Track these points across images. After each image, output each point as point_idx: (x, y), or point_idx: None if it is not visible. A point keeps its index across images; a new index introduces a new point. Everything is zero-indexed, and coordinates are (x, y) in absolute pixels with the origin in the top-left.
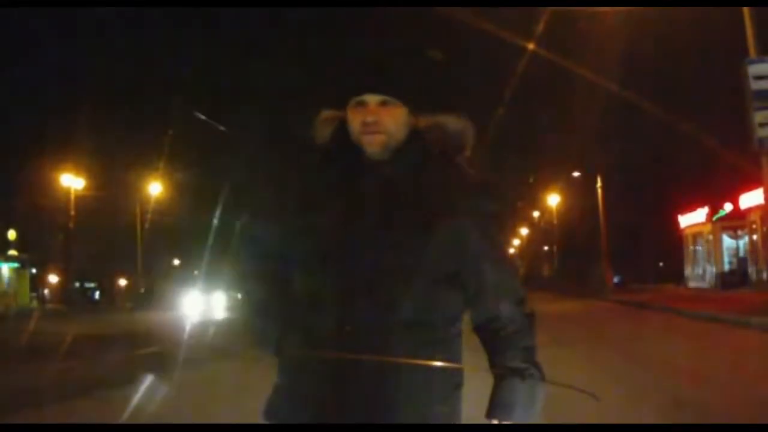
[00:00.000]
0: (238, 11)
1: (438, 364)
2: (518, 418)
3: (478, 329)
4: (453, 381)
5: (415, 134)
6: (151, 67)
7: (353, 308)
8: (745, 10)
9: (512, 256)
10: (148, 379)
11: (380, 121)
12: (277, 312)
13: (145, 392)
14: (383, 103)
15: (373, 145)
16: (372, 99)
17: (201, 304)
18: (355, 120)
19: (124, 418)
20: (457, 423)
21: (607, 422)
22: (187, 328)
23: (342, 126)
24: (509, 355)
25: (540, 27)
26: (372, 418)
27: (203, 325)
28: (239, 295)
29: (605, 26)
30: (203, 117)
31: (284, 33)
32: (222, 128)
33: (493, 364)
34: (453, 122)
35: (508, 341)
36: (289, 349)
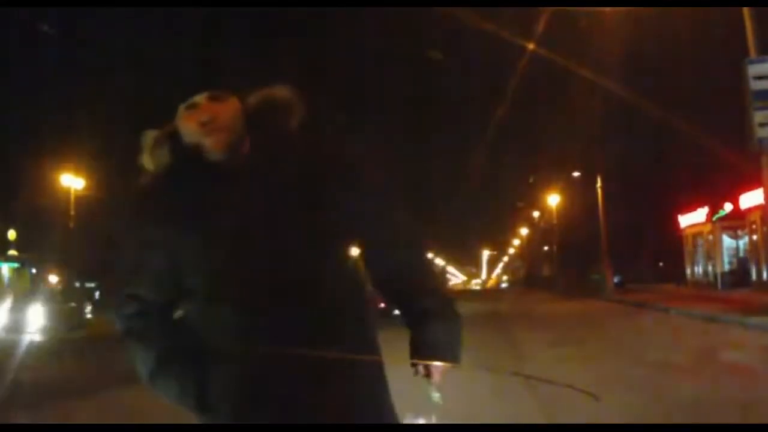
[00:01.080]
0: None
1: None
2: (443, 354)
3: (380, 284)
4: (381, 366)
5: (251, 119)
6: (151, 66)
7: (276, 317)
8: (745, 10)
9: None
10: None
11: (217, 117)
12: (191, 360)
13: None
14: (213, 99)
15: (216, 145)
16: (201, 97)
17: (9, 322)
18: (190, 125)
19: None
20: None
21: (607, 422)
22: None
23: (175, 139)
24: (418, 298)
25: (540, 27)
26: (339, 418)
27: None
28: (74, 306)
29: (605, 26)
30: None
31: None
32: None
33: (404, 312)
34: (279, 91)
35: (413, 287)
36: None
